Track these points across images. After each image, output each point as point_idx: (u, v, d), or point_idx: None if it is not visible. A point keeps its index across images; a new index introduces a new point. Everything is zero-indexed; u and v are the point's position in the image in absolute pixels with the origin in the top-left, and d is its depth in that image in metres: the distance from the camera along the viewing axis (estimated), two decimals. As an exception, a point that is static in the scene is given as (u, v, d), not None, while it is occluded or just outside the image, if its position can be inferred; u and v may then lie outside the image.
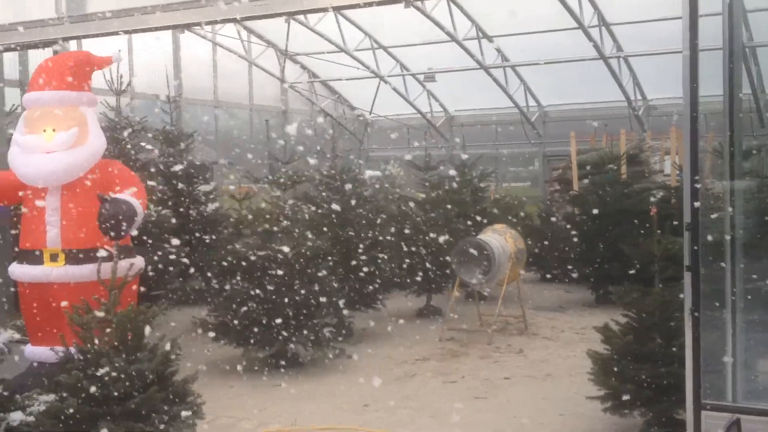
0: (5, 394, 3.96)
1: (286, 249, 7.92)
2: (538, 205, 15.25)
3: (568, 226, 11.90)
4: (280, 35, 16.94)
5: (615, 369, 5.75)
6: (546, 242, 12.36)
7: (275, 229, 8.14)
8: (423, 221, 10.74)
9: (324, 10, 10.19)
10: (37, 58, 9.25)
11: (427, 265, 10.36)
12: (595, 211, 11.16)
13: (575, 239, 11.49)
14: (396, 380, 7.60)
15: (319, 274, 8.16)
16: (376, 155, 21.89)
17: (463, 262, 9.42)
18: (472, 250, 9.35)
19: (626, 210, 11.04)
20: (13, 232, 8.80)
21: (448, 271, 10.21)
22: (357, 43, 17.71)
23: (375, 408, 6.72)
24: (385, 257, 9.92)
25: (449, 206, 11.25)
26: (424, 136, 18.82)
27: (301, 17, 15.20)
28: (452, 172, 12.58)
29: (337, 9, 13.16)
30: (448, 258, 9.78)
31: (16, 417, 3.86)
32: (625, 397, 5.64)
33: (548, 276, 13.16)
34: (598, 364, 5.92)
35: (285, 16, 10.55)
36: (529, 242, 11.78)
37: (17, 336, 4.10)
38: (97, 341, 5.08)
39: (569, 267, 11.48)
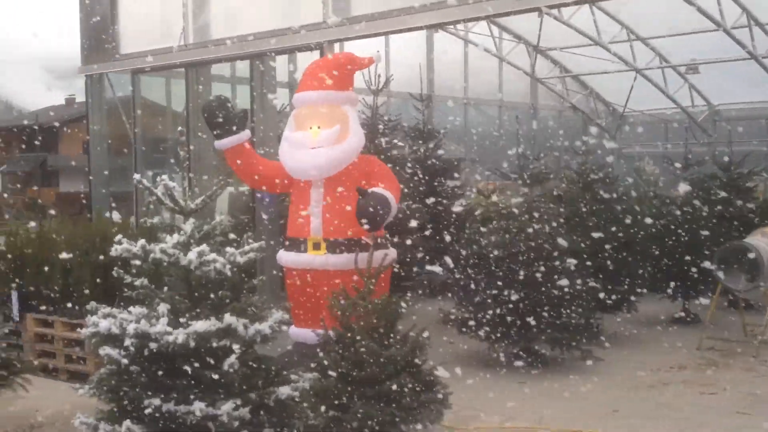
0: (276, 369, 4.32)
1: (533, 246, 7.84)
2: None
3: None
4: (532, 30, 16.76)
5: None
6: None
7: (523, 225, 8.07)
8: (681, 222, 10.10)
9: (578, 2, 9.92)
10: (305, 60, 9.95)
11: (685, 268, 9.72)
12: None
13: None
14: (648, 388, 7.23)
15: (568, 273, 7.97)
16: (630, 151, 20.94)
17: (726, 267, 8.72)
18: (737, 254, 8.63)
19: None
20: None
21: (708, 276, 9.50)
22: (613, 35, 17.04)
23: (625, 414, 6.44)
24: (638, 258, 9.47)
25: (712, 206, 10.46)
26: (684, 132, 17.68)
27: (554, 11, 14.93)
28: (716, 170, 11.69)
29: (594, 1, 12.78)
30: (708, 262, 9.11)
31: (284, 391, 4.19)
32: None
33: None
34: None
35: (538, 11, 10.42)
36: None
37: (286, 317, 4.45)
38: (353, 326, 5.37)
39: None
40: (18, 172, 41.93)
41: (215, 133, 7.63)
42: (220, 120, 7.52)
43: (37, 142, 43.73)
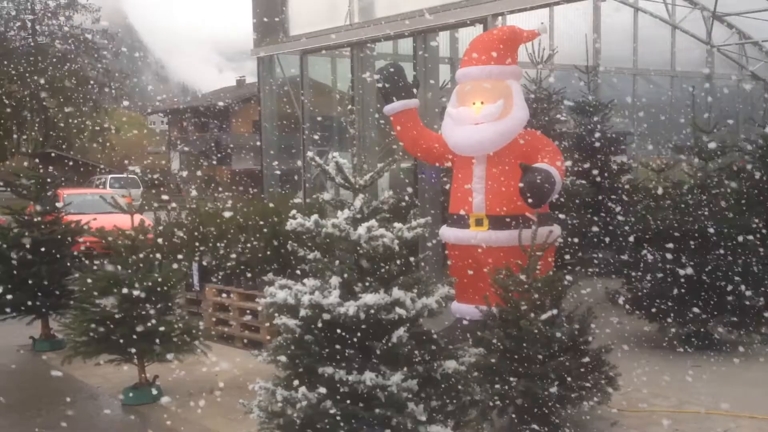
0: (442, 343, 4.39)
1: (710, 224, 7.44)
2: None
3: None
4: (709, -6, 15.80)
5: None
6: None
7: (698, 202, 7.67)
8: None
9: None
10: (468, 35, 9.90)
11: None
12: None
13: None
14: (839, 377, 6.71)
15: (747, 253, 7.50)
16: (818, 122, 19.30)
17: None
18: None
19: None
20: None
21: None
22: (799, -4, 15.71)
23: (812, 404, 6.02)
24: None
25: None
26: None
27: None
28: None
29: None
30: None
31: (450, 365, 4.25)
32: None
33: None
34: None
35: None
36: None
37: (452, 292, 4.50)
38: (516, 303, 5.34)
39: None
40: (194, 151, 44.68)
41: (387, 98, 7.81)
42: (393, 86, 7.68)
43: (211, 123, 46.29)
